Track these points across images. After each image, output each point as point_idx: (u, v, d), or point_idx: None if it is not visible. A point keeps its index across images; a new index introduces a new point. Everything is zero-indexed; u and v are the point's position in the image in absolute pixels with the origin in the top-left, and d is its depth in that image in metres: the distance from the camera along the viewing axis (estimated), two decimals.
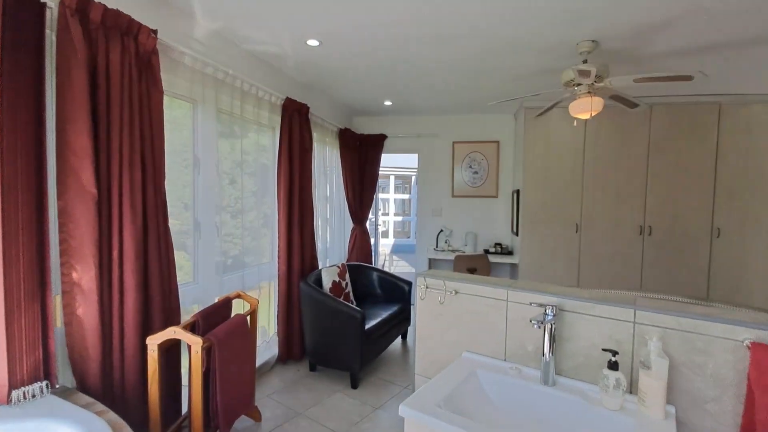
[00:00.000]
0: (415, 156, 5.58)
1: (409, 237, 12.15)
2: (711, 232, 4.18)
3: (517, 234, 4.71)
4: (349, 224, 5.20)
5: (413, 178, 11.34)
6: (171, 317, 2.26)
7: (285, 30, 2.75)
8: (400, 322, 3.86)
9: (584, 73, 2.69)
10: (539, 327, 1.40)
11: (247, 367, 2.40)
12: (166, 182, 2.24)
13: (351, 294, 3.89)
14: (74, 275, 1.80)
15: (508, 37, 2.76)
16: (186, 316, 2.39)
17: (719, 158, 4.12)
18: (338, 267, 3.82)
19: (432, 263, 5.27)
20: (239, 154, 3.18)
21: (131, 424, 1.96)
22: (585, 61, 2.84)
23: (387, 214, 11.81)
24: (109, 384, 1.94)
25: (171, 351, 2.22)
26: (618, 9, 2.35)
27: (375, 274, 4.30)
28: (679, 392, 1.27)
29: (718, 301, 4.11)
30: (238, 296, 2.58)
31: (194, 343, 1.95)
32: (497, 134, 5.23)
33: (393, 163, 10.50)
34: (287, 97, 3.47)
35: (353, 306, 3.23)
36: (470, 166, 5.33)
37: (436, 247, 5.37)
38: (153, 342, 1.93)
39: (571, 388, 1.41)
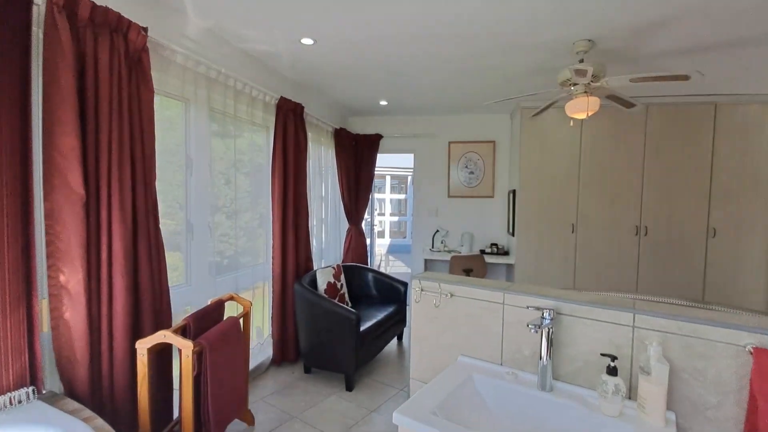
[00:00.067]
0: (411, 156, 5.55)
1: (405, 237, 12.11)
2: (706, 232, 4.18)
3: (513, 234, 4.70)
4: (345, 224, 5.17)
5: (409, 178, 11.30)
6: (162, 320, 2.22)
7: (279, 28, 2.71)
8: (395, 324, 3.82)
9: (581, 73, 2.67)
10: (536, 332, 1.37)
11: (239, 370, 2.36)
12: (158, 182, 2.20)
13: (346, 295, 3.85)
14: (61, 278, 1.76)
15: (504, 36, 2.74)
16: (178, 319, 2.35)
17: (715, 158, 4.13)
18: (333, 268, 3.78)
19: (428, 264, 5.24)
20: (234, 153, 3.14)
21: (120, 430, 1.93)
22: (581, 61, 2.82)
23: (383, 215, 11.78)
24: (97, 389, 1.90)
25: (162, 355, 2.19)
26: (614, 8, 2.33)
27: (370, 275, 4.27)
28: (680, 398, 1.24)
29: (715, 302, 4.10)
30: (231, 298, 2.54)
31: (184, 347, 1.91)
32: (493, 134, 5.21)
33: (389, 163, 10.47)
34: (281, 97, 3.43)
35: (348, 307, 3.20)
36: (466, 166, 5.30)
37: (432, 247, 5.34)
38: (142, 346, 1.89)
39: (569, 393, 1.38)
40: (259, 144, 3.51)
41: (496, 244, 5.02)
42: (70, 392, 1.81)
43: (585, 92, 2.83)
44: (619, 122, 4.24)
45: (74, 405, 1.69)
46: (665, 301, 1.57)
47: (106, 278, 1.91)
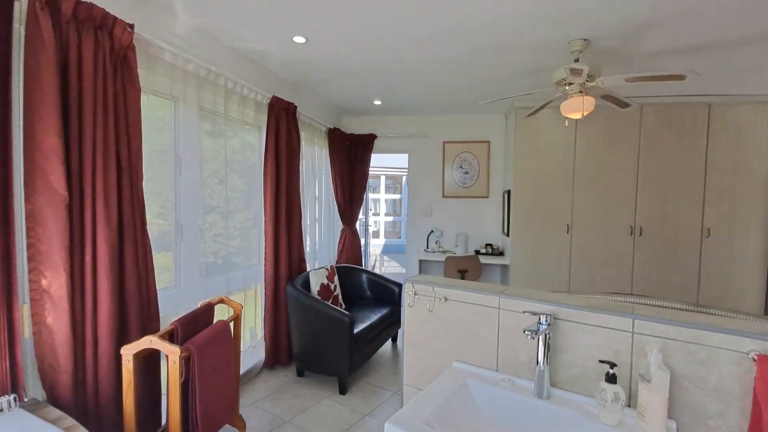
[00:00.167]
0: (406, 156, 5.51)
1: (400, 237, 12.09)
2: (701, 232, 4.17)
3: (508, 235, 4.67)
4: (339, 225, 5.12)
5: (404, 178, 11.27)
6: (149, 325, 2.17)
7: (270, 26, 2.65)
8: (390, 325, 3.78)
9: (576, 72, 2.64)
10: (533, 338, 1.34)
11: (229, 375, 2.31)
12: (149, 183, 2.15)
13: (340, 297, 3.81)
14: (43, 282, 1.70)
15: (499, 35, 2.70)
16: (168, 323, 2.29)
17: (709, 158, 4.12)
18: (327, 269, 3.73)
19: (423, 264, 5.21)
20: (226, 153, 3.08)
21: None
22: (577, 60, 2.79)
23: (378, 215, 11.74)
24: (81, 397, 1.84)
25: (149, 360, 2.13)
26: (610, 8, 2.30)
27: (364, 276, 4.22)
28: (681, 406, 1.21)
29: (710, 304, 4.10)
30: (221, 301, 2.49)
31: (171, 352, 1.85)
32: (488, 134, 5.18)
33: (383, 163, 10.44)
34: (274, 96, 3.37)
35: (342, 309, 3.16)
36: (461, 167, 5.27)
37: (427, 248, 5.31)
38: (128, 352, 1.83)
39: (567, 401, 1.34)
40: (252, 144, 3.46)
41: (491, 245, 5.00)
42: (53, 400, 1.75)
43: (580, 92, 2.81)
44: (613, 122, 4.23)
45: (57, 413, 1.63)
46: (665, 306, 1.54)
47: (90, 282, 1.85)
